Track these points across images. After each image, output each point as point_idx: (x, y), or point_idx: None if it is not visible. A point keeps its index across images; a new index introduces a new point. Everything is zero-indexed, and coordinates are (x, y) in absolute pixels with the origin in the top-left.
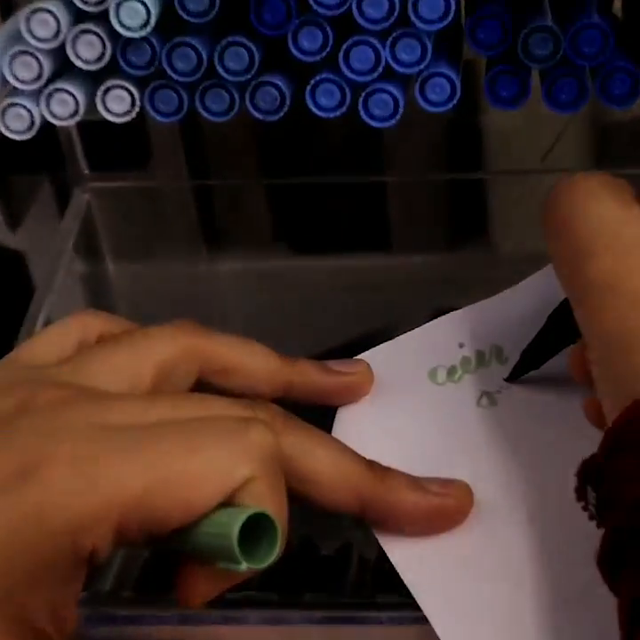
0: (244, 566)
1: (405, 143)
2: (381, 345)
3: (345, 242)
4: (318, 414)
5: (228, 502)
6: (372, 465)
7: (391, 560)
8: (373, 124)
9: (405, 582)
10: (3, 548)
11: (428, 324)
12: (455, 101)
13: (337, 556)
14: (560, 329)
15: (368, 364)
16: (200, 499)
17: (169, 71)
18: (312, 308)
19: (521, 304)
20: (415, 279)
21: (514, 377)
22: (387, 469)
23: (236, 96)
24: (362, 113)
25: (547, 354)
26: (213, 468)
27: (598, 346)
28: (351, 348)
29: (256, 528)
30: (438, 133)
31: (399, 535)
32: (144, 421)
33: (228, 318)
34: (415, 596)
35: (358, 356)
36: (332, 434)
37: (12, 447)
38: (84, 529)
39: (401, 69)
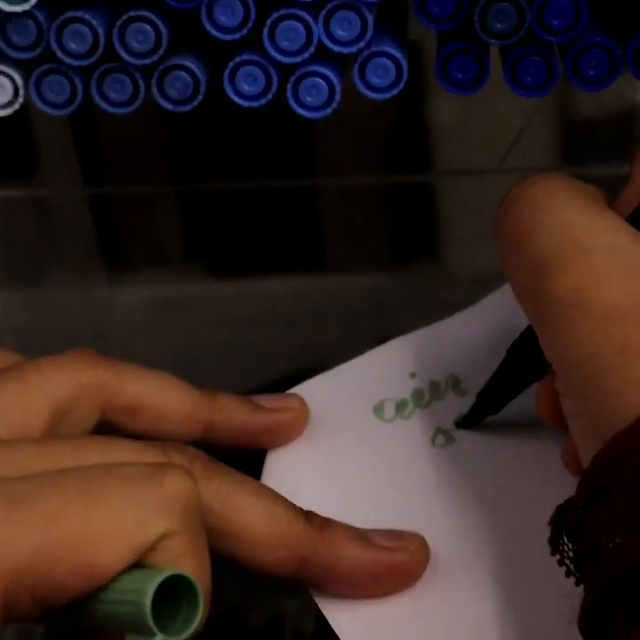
0: (158, 639)
1: (341, 141)
2: (318, 376)
3: (272, 261)
4: (244, 459)
5: (139, 564)
6: (308, 516)
7: (333, 628)
8: (305, 113)
9: None
10: None
11: (372, 350)
12: (402, 86)
13: (268, 629)
14: (523, 364)
15: (302, 399)
16: (105, 560)
17: (59, 53)
18: (234, 340)
19: (482, 326)
20: (355, 304)
21: (469, 424)
22: (326, 521)
23: (141, 82)
24: (291, 101)
25: (508, 395)
26: (120, 523)
27: (567, 374)
28: (282, 387)
29: (173, 593)
30: (379, 129)
31: (342, 598)
32: (37, 470)
33: (134, 355)
34: None
35: (291, 390)
36: (262, 481)
37: None
38: None
39: (337, 48)
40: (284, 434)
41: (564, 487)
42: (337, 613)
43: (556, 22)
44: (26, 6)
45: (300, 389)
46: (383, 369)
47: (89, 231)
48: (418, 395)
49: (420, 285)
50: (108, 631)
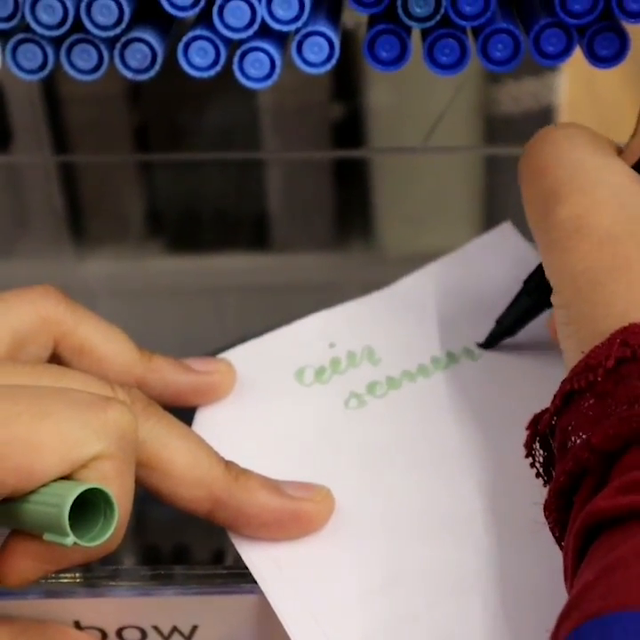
0: (70, 540)
1: (284, 122)
2: (246, 343)
3: (222, 239)
4: (177, 415)
5: (71, 477)
6: (228, 464)
7: (246, 564)
8: (249, 84)
9: (261, 587)
10: None
11: (297, 321)
12: (334, 62)
13: (211, 561)
14: (535, 292)
15: (230, 363)
16: (42, 465)
17: (33, 24)
18: (182, 312)
19: (396, 304)
20: (296, 280)
21: (489, 345)
22: (243, 470)
23: (105, 53)
24: (237, 73)
25: (523, 319)
26: (61, 437)
27: (564, 288)
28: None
29: (96, 511)
30: (318, 113)
31: (254, 539)
32: None
33: None
34: (271, 602)
35: (221, 355)
36: None
37: None
38: None
39: (277, 26)
40: (212, 394)
41: (449, 439)
42: (249, 551)
43: (468, 8)
44: None
45: (230, 354)
46: (306, 339)
47: (56, 202)
48: (335, 362)
49: (356, 265)
50: (32, 531)
